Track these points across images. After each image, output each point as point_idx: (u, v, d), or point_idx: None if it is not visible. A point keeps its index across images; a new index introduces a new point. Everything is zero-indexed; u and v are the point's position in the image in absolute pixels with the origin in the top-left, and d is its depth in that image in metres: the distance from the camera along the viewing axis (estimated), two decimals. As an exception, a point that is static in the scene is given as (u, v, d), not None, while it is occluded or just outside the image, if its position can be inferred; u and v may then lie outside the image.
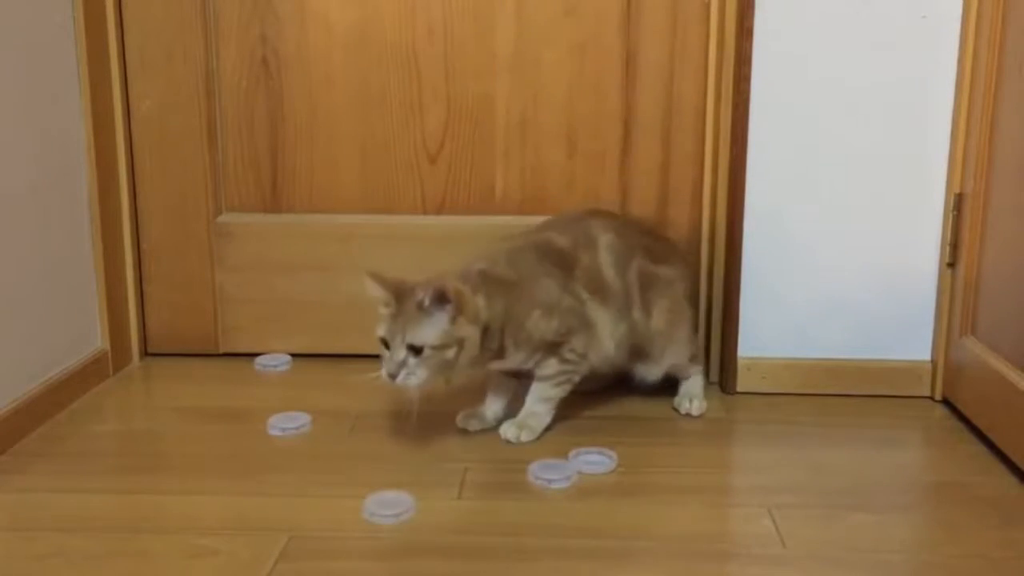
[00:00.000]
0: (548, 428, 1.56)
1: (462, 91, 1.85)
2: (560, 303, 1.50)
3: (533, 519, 1.32)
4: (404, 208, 1.90)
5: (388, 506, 1.31)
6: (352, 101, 1.86)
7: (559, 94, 1.84)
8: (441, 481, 1.41)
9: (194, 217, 1.89)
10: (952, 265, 1.67)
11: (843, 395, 1.73)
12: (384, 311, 1.42)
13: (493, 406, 1.59)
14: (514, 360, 1.50)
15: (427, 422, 1.58)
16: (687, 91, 1.81)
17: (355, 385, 1.80)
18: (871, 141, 1.66)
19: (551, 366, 1.52)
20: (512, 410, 1.58)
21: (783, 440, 1.58)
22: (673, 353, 1.64)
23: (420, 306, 1.38)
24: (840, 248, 1.70)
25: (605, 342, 1.55)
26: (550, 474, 1.41)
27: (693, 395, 1.67)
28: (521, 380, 1.57)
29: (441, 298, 1.38)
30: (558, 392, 1.54)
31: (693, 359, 1.69)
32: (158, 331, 1.94)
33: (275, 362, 1.89)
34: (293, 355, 1.91)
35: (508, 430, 1.53)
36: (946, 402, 1.70)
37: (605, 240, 1.58)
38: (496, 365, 1.51)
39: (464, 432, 1.57)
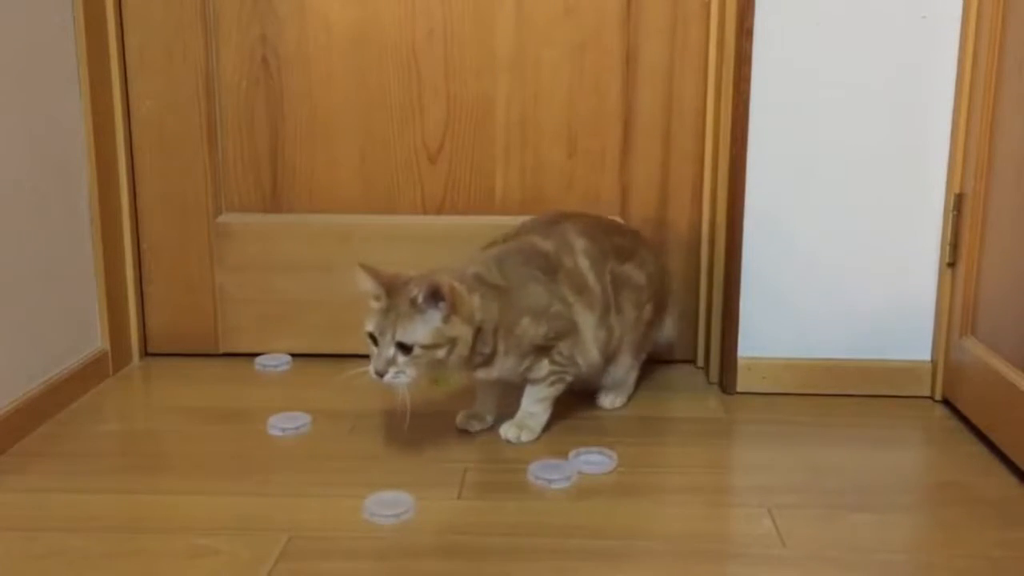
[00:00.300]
0: (546, 428, 1.56)
1: (462, 91, 1.85)
2: (549, 308, 1.50)
3: (533, 519, 1.32)
4: (404, 208, 1.90)
5: (388, 506, 1.31)
6: (352, 101, 1.86)
7: (559, 94, 1.84)
8: (441, 481, 1.41)
9: (194, 217, 1.89)
10: (952, 265, 1.67)
11: (843, 395, 1.73)
12: (375, 305, 1.39)
13: (486, 403, 1.59)
14: (503, 367, 1.48)
15: (427, 422, 1.58)
16: (687, 91, 1.81)
17: (355, 385, 1.79)
18: (871, 141, 1.67)
19: (543, 368, 1.51)
20: (503, 404, 1.58)
21: (783, 440, 1.58)
22: (625, 356, 1.63)
23: (413, 303, 1.36)
24: (840, 248, 1.70)
25: (589, 345, 1.55)
26: (550, 474, 1.41)
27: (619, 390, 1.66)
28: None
29: (435, 295, 1.36)
30: (552, 392, 1.54)
31: (635, 361, 1.67)
32: (158, 331, 1.94)
33: (275, 362, 1.89)
34: (293, 355, 1.91)
35: (508, 431, 1.53)
36: (946, 402, 1.70)
37: (580, 245, 1.57)
38: (483, 374, 1.48)
39: (464, 432, 1.57)
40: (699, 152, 1.83)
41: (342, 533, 1.27)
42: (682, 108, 1.82)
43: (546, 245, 1.54)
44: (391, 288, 1.38)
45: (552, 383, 1.53)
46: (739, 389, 1.75)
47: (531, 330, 1.47)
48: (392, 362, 1.36)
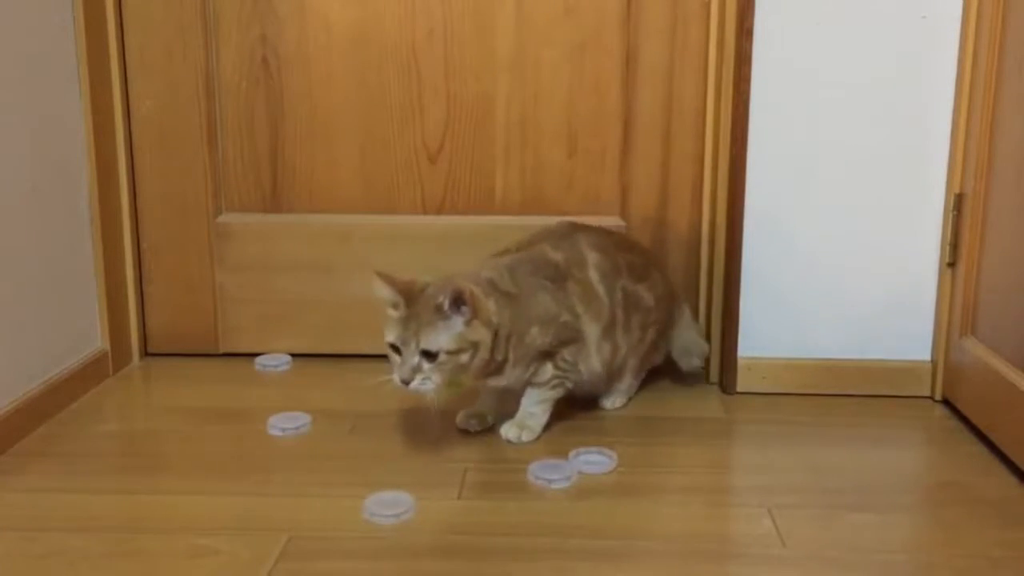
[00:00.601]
0: (547, 428, 1.56)
1: (462, 91, 1.85)
2: (558, 318, 1.51)
3: (533, 519, 1.32)
4: (404, 208, 1.90)
5: (388, 506, 1.31)
6: (352, 101, 1.86)
7: (559, 94, 1.84)
8: (441, 481, 1.41)
9: (194, 217, 1.89)
10: (952, 265, 1.67)
11: (843, 395, 1.73)
12: (393, 314, 1.39)
13: (487, 403, 1.59)
14: (511, 376, 1.49)
15: (427, 422, 1.58)
16: (687, 91, 1.81)
17: (355, 385, 1.80)
18: (871, 141, 1.67)
19: (547, 372, 1.52)
20: (503, 404, 1.58)
21: (783, 440, 1.58)
22: (628, 375, 1.66)
23: (437, 309, 1.36)
24: (840, 248, 1.70)
25: (592, 355, 1.56)
26: (550, 474, 1.41)
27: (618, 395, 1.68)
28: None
29: (458, 300, 1.36)
30: (553, 394, 1.55)
31: (635, 380, 1.69)
32: (158, 331, 1.94)
33: (275, 362, 1.89)
34: (293, 355, 1.91)
35: (509, 431, 1.53)
36: (946, 402, 1.70)
37: (593, 258, 1.58)
38: (493, 381, 1.49)
39: (464, 432, 1.57)
40: (699, 152, 1.83)
41: (342, 533, 1.27)
42: (682, 108, 1.82)
43: (556, 256, 1.55)
44: (408, 296, 1.38)
45: (553, 387, 1.54)
46: (739, 389, 1.75)
47: (539, 339, 1.49)
48: (418, 369, 1.37)
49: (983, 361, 1.54)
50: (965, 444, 1.56)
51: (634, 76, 1.82)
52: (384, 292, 1.40)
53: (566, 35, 1.82)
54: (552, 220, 1.84)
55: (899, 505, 1.38)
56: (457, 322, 1.37)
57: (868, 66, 1.64)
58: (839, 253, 1.71)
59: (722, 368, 1.78)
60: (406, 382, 1.37)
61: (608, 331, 1.57)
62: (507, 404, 1.57)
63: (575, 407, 1.62)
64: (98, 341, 1.81)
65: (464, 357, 1.38)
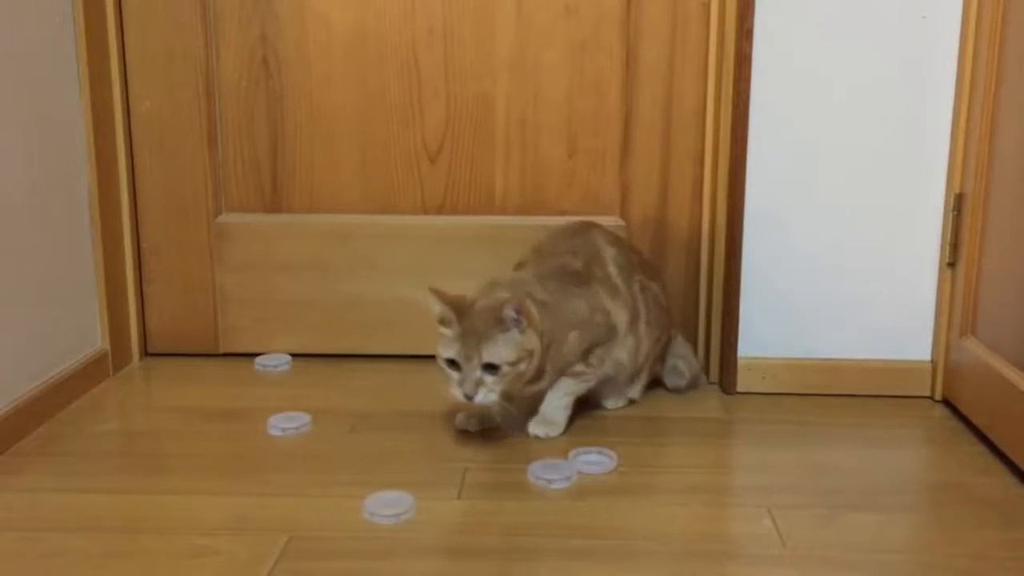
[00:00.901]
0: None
1: (462, 91, 1.85)
2: (592, 319, 1.54)
3: (533, 519, 1.32)
4: (404, 208, 1.90)
5: (388, 506, 1.31)
6: (352, 101, 1.86)
7: (559, 94, 1.84)
8: (441, 481, 1.41)
9: (194, 217, 1.89)
10: (952, 265, 1.67)
11: (843, 395, 1.73)
12: (447, 331, 1.41)
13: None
14: (548, 381, 1.52)
15: (427, 422, 1.58)
16: (687, 91, 1.81)
17: (355, 385, 1.80)
18: (871, 141, 1.67)
19: (578, 367, 1.55)
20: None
21: (783, 440, 1.58)
22: (644, 375, 1.68)
23: (498, 322, 1.39)
24: (840, 248, 1.70)
25: (619, 348, 1.59)
26: (550, 474, 1.41)
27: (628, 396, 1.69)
28: None
29: (518, 312, 1.39)
30: (578, 389, 1.57)
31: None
32: (158, 331, 1.94)
33: (275, 362, 1.89)
34: (293, 355, 1.91)
35: (537, 428, 1.55)
36: (946, 402, 1.70)
37: (610, 253, 1.62)
38: (531, 388, 1.51)
39: (464, 432, 1.57)
40: (699, 152, 1.83)
41: (342, 533, 1.27)
42: (682, 108, 1.82)
43: (578, 263, 1.58)
44: (460, 312, 1.40)
45: (581, 381, 1.56)
46: (739, 389, 1.75)
47: (577, 344, 1.52)
48: (481, 383, 1.39)
49: (983, 361, 1.54)
50: (965, 444, 1.56)
51: (634, 76, 1.82)
52: (437, 308, 1.42)
53: (566, 35, 1.82)
54: (552, 220, 1.85)
55: (899, 505, 1.38)
56: (514, 333, 1.40)
57: (868, 66, 1.64)
58: (839, 253, 1.71)
59: (722, 368, 1.78)
60: (469, 397, 1.39)
61: (632, 323, 1.61)
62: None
63: (575, 407, 1.62)
64: (98, 341, 1.81)
65: (522, 366, 1.41)
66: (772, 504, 1.35)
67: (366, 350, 1.92)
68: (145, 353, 1.94)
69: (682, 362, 1.76)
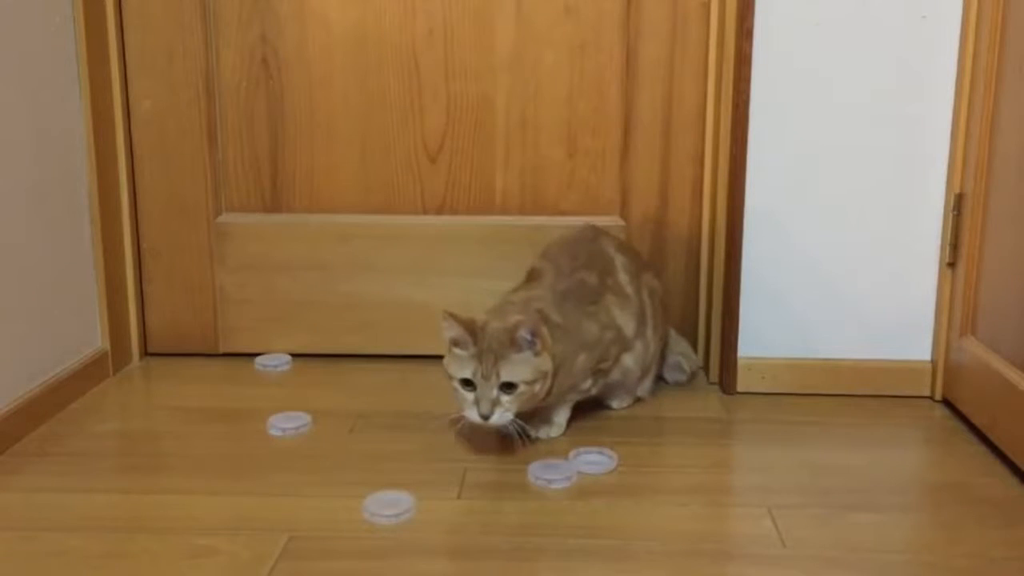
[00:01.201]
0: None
1: (462, 91, 1.85)
2: (602, 340, 1.55)
3: (533, 519, 1.32)
4: (404, 208, 1.90)
5: (388, 506, 1.31)
6: (352, 101, 1.86)
7: (559, 94, 1.84)
8: (441, 481, 1.41)
9: (194, 217, 1.89)
10: (952, 265, 1.67)
11: (843, 395, 1.73)
12: (461, 352, 1.41)
13: None
14: (554, 398, 1.51)
15: (427, 422, 1.58)
16: (687, 91, 1.81)
17: (355, 385, 1.80)
18: (871, 141, 1.67)
19: (585, 385, 1.56)
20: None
21: (783, 440, 1.58)
22: (651, 374, 1.70)
23: (513, 343, 1.39)
24: (840, 248, 1.70)
25: (625, 356, 1.61)
26: (550, 474, 1.41)
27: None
28: None
29: (533, 333, 1.40)
30: (581, 397, 1.58)
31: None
32: (158, 331, 1.94)
33: (275, 362, 1.89)
34: (293, 355, 1.91)
35: (539, 429, 1.54)
36: (946, 402, 1.70)
37: (620, 261, 1.64)
38: (540, 403, 1.50)
39: (464, 432, 1.56)
40: (699, 152, 1.83)
41: (342, 533, 1.27)
42: (682, 108, 1.82)
43: (592, 279, 1.59)
44: (474, 333, 1.40)
45: (583, 392, 1.57)
46: (739, 389, 1.75)
47: (586, 363, 1.53)
48: (497, 402, 1.39)
49: (983, 361, 1.54)
50: (965, 444, 1.56)
51: (634, 76, 1.82)
52: (454, 331, 1.41)
53: (566, 35, 1.82)
54: (552, 220, 1.86)
55: (899, 505, 1.38)
56: (528, 354, 1.40)
57: (868, 66, 1.64)
58: (839, 253, 1.71)
59: (722, 368, 1.78)
60: (486, 416, 1.39)
61: (640, 329, 1.62)
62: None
63: (575, 406, 1.62)
64: (98, 341, 1.81)
65: (537, 387, 1.41)
66: (772, 504, 1.35)
67: (366, 350, 1.92)
68: (145, 353, 1.94)
69: (683, 359, 1.78)
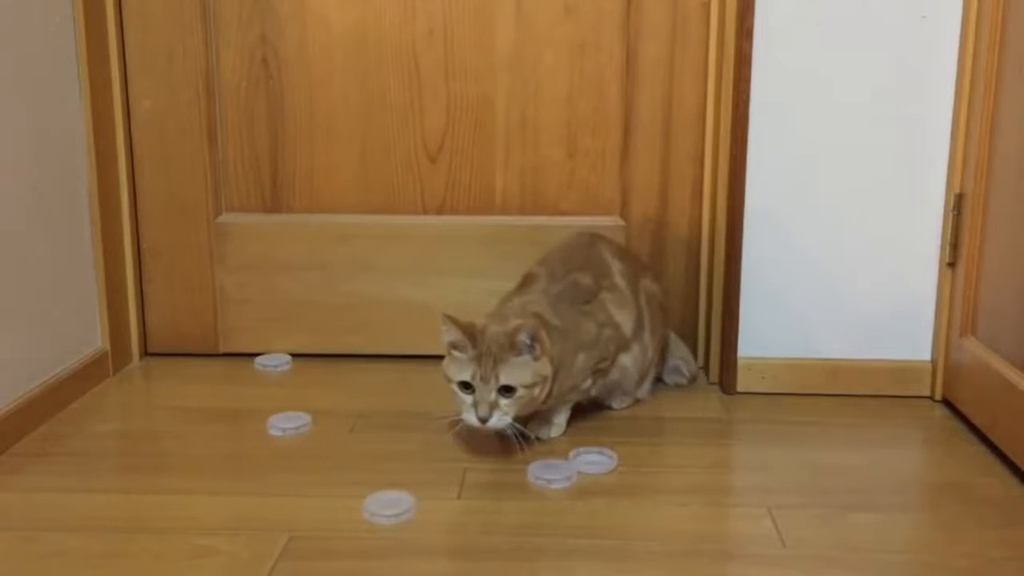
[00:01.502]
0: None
1: (462, 91, 1.85)
2: (600, 337, 1.55)
3: (533, 519, 1.32)
4: (404, 208, 1.90)
5: (388, 506, 1.31)
6: (352, 101, 1.86)
7: (559, 94, 1.84)
8: (441, 481, 1.41)
9: (194, 217, 1.89)
10: (952, 265, 1.67)
11: (843, 395, 1.73)
12: (460, 355, 1.41)
13: None
14: (554, 400, 1.51)
15: (427, 422, 1.58)
16: (687, 91, 1.81)
17: (355, 385, 1.80)
18: (871, 141, 1.67)
19: (586, 384, 1.56)
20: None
21: (783, 440, 1.58)
22: (648, 379, 1.70)
23: (512, 347, 1.39)
24: (840, 248, 1.70)
25: (623, 357, 1.61)
26: (550, 474, 1.41)
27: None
28: None
29: (532, 338, 1.40)
30: (581, 397, 1.58)
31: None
32: (158, 331, 1.94)
33: (275, 362, 1.89)
34: (293, 355, 1.91)
35: (539, 429, 1.54)
36: (946, 402, 1.70)
37: (617, 267, 1.64)
38: (541, 406, 1.51)
39: (464, 432, 1.57)
40: (699, 152, 1.83)
41: (342, 533, 1.27)
42: (682, 108, 1.82)
43: (587, 279, 1.59)
44: (473, 337, 1.40)
45: (583, 392, 1.57)
46: (739, 389, 1.75)
47: (584, 364, 1.53)
48: (495, 405, 1.39)
49: (983, 361, 1.54)
50: (965, 444, 1.56)
51: (634, 76, 1.82)
52: (452, 335, 1.41)
53: (566, 35, 1.82)
54: (552, 220, 1.86)
55: (899, 505, 1.38)
56: (528, 358, 1.40)
57: (868, 66, 1.64)
58: (839, 253, 1.71)
59: (722, 368, 1.78)
60: (484, 419, 1.38)
61: (637, 332, 1.62)
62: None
63: (575, 407, 1.62)
64: (98, 341, 1.81)
65: (536, 391, 1.41)
66: (772, 504, 1.35)
67: (366, 350, 1.92)
68: (145, 353, 1.94)
69: (682, 363, 1.79)
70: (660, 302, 1.70)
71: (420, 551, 1.24)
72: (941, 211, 1.67)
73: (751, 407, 1.70)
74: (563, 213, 1.87)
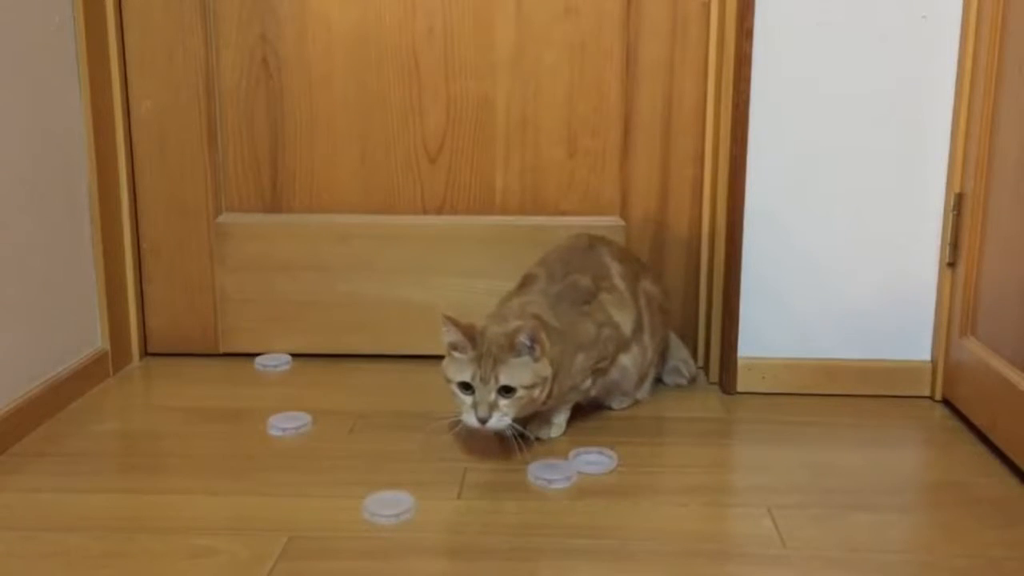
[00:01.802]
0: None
1: (462, 91, 1.85)
2: (599, 337, 1.55)
3: (533, 519, 1.32)
4: (404, 208, 1.90)
5: (388, 506, 1.31)
6: (352, 101, 1.86)
7: (559, 94, 1.84)
8: (441, 481, 1.41)
9: (194, 217, 1.89)
10: (952, 265, 1.67)
11: (843, 395, 1.73)
12: (460, 355, 1.41)
13: None
14: (554, 401, 1.51)
15: (427, 422, 1.58)
16: (687, 91, 1.81)
17: (355, 385, 1.80)
18: (871, 141, 1.67)
19: (586, 384, 1.56)
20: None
21: (783, 440, 1.58)
22: (648, 380, 1.70)
23: (512, 347, 1.39)
24: (840, 248, 1.70)
25: (623, 358, 1.61)
26: (550, 474, 1.41)
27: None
28: None
29: (532, 339, 1.40)
30: (581, 396, 1.58)
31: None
32: (158, 331, 1.94)
33: (275, 362, 1.89)
34: (293, 355, 1.91)
35: (539, 430, 1.54)
36: (946, 402, 1.70)
37: (616, 268, 1.64)
38: (542, 407, 1.51)
39: (464, 432, 1.57)
40: (699, 152, 1.83)
41: (342, 533, 1.27)
42: (682, 108, 1.82)
43: (586, 280, 1.59)
44: (473, 338, 1.40)
45: (583, 392, 1.57)
46: (739, 389, 1.75)
47: (585, 364, 1.53)
48: (495, 406, 1.39)
49: (983, 361, 1.54)
50: (965, 444, 1.56)
51: (634, 76, 1.82)
52: (452, 336, 1.41)
53: (566, 35, 1.82)
54: (552, 220, 1.86)
55: (899, 505, 1.38)
56: (528, 359, 1.40)
57: (868, 66, 1.64)
58: (839, 253, 1.71)
59: (722, 368, 1.78)
60: (484, 420, 1.38)
61: (637, 333, 1.62)
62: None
63: (575, 407, 1.62)
64: (98, 341, 1.81)
65: (536, 391, 1.41)
66: (772, 504, 1.35)
67: (366, 350, 1.92)
68: (145, 353, 1.94)
69: (682, 364, 1.79)
70: (660, 304, 1.70)
71: (420, 551, 1.24)
72: (941, 211, 1.67)
73: (751, 407, 1.70)
74: (563, 213, 1.87)
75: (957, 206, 1.64)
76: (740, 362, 1.74)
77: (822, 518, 1.32)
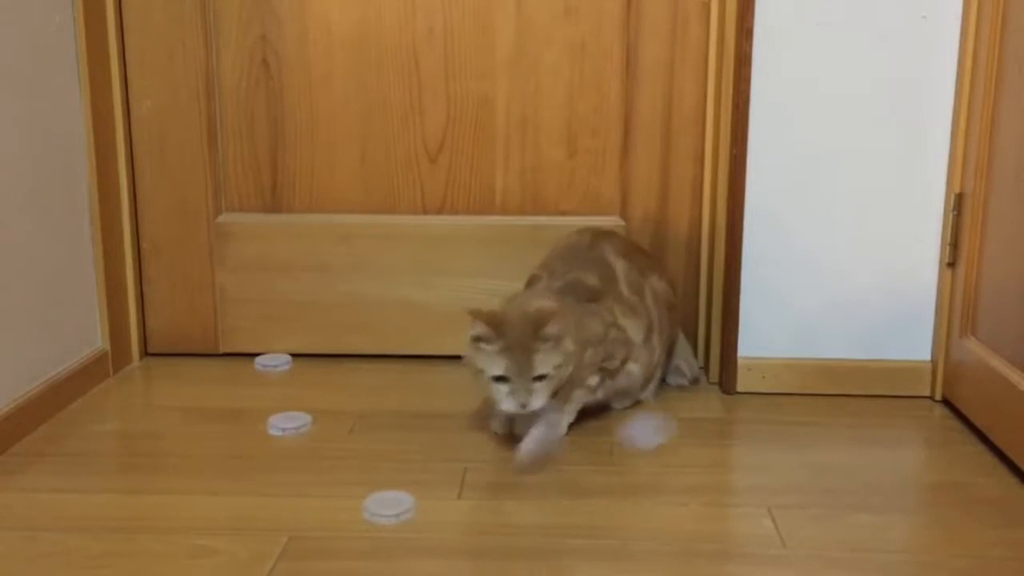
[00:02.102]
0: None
1: (462, 91, 1.85)
2: (606, 336, 1.55)
3: (533, 519, 1.32)
4: (404, 208, 1.90)
5: (388, 506, 1.31)
6: (352, 101, 1.86)
7: (559, 94, 1.84)
8: (441, 481, 1.41)
9: (194, 217, 1.89)
10: (952, 265, 1.67)
11: (843, 395, 1.73)
12: (489, 347, 1.42)
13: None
14: (563, 394, 1.52)
15: (427, 422, 1.58)
16: (687, 91, 1.81)
17: (355, 385, 1.81)
18: (871, 141, 1.66)
19: (592, 380, 1.56)
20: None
21: (783, 440, 1.58)
22: (653, 382, 1.70)
23: (538, 336, 1.41)
24: (840, 248, 1.70)
25: (631, 363, 1.61)
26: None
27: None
28: None
29: (555, 324, 1.42)
30: (588, 398, 1.57)
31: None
32: (158, 331, 1.94)
33: (275, 362, 1.89)
34: (293, 355, 1.91)
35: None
36: (946, 402, 1.70)
37: (621, 267, 1.63)
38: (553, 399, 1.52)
39: (463, 432, 1.57)
40: (699, 152, 1.83)
41: (342, 533, 1.27)
42: (682, 108, 1.82)
43: (592, 280, 1.59)
44: (498, 329, 1.42)
45: (589, 393, 1.57)
46: (739, 389, 1.75)
47: (592, 359, 1.53)
48: (531, 391, 1.41)
49: (983, 361, 1.54)
50: (965, 444, 1.56)
51: (634, 76, 1.82)
52: (480, 330, 1.42)
53: (566, 35, 1.82)
54: (552, 220, 1.86)
55: (899, 505, 1.38)
56: (551, 344, 1.42)
57: (868, 66, 1.64)
58: (839, 253, 1.70)
59: (722, 368, 1.78)
60: (524, 405, 1.41)
61: (647, 337, 1.63)
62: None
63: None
64: (98, 341, 1.81)
65: (564, 371, 1.44)
66: (772, 504, 1.35)
67: (366, 350, 1.92)
68: (145, 353, 1.94)
69: (684, 364, 1.78)
70: (668, 300, 1.70)
71: (420, 551, 1.24)
72: (941, 211, 1.67)
73: (751, 407, 1.70)
74: (563, 213, 1.87)
75: (957, 206, 1.64)
76: (740, 362, 1.74)
77: (822, 518, 1.32)
